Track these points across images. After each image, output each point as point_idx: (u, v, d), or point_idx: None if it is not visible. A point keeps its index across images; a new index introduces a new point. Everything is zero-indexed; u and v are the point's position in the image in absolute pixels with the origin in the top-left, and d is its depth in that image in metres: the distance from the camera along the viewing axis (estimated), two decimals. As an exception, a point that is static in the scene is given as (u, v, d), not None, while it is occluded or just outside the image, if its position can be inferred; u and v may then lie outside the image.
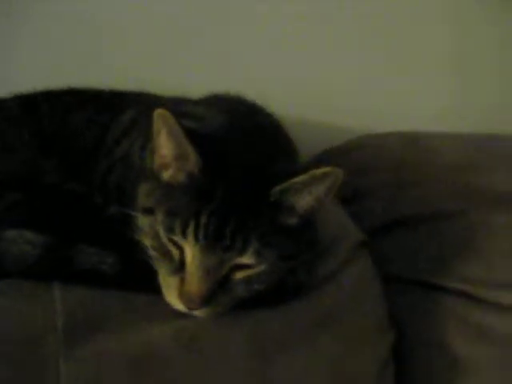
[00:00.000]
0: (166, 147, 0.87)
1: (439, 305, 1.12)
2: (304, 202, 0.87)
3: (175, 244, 0.85)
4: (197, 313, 0.86)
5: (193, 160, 0.85)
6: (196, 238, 0.83)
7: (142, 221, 0.89)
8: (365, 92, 1.50)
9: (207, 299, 0.84)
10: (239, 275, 0.86)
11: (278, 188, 0.85)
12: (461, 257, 1.14)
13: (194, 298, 0.84)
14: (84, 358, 0.82)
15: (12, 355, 0.81)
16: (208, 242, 0.82)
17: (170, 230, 0.84)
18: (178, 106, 1.03)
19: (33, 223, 0.94)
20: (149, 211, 0.88)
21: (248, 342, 0.90)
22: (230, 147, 0.91)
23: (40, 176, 1.04)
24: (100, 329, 0.85)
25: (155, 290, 0.88)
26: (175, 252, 0.86)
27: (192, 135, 0.85)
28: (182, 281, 0.85)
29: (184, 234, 0.83)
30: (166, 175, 0.89)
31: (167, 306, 0.87)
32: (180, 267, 0.85)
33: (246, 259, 0.84)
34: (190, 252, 0.84)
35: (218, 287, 0.85)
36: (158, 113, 0.84)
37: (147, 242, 0.88)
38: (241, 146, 0.93)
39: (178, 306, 0.86)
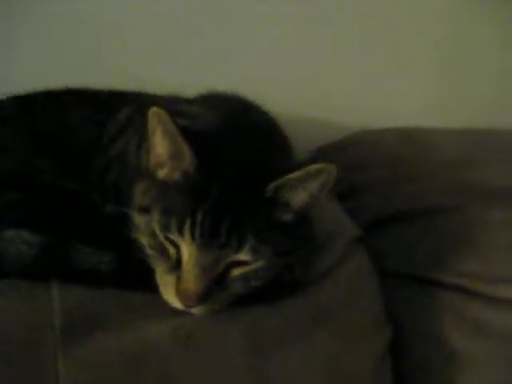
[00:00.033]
0: (161, 146, 0.87)
1: (436, 300, 1.12)
2: (299, 198, 0.87)
3: (172, 242, 0.86)
4: (194, 310, 0.86)
5: (188, 158, 0.86)
6: (192, 236, 0.83)
7: (139, 219, 0.89)
8: (360, 89, 1.51)
9: (204, 296, 0.84)
10: (236, 272, 0.86)
11: (272, 185, 0.85)
12: (457, 252, 1.14)
13: (191, 296, 0.84)
14: (82, 356, 0.83)
15: (11, 355, 0.82)
16: (204, 239, 0.83)
17: (166, 228, 0.85)
18: (173, 105, 1.03)
19: (30, 223, 0.94)
20: (145, 210, 0.88)
21: (245, 339, 0.91)
22: (225, 145, 0.91)
23: (36, 176, 1.04)
24: (98, 327, 0.86)
25: (152, 288, 0.89)
26: (172, 250, 0.86)
27: (187, 134, 0.85)
28: (179, 279, 0.85)
29: (180, 232, 0.83)
30: (162, 174, 0.89)
31: (164, 304, 0.88)
32: (177, 265, 0.86)
33: (242, 256, 0.84)
34: (187, 250, 0.84)
35: (214, 284, 0.85)
36: (153, 111, 0.84)
37: (144, 240, 0.89)
38: (235, 143, 0.93)
39: (175, 303, 0.86)
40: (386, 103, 1.51)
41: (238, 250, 0.84)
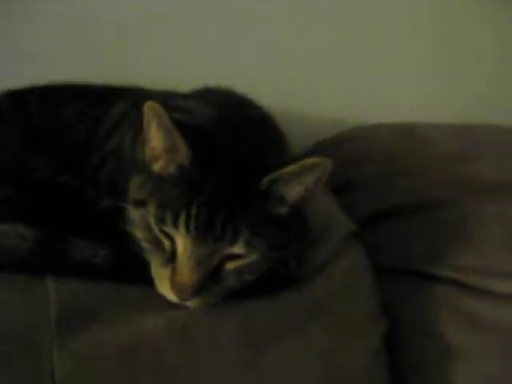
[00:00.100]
0: (157, 139, 0.87)
1: (431, 294, 1.12)
2: (294, 191, 0.87)
3: (167, 235, 0.86)
4: (189, 303, 0.86)
5: (183, 152, 0.86)
6: (187, 229, 0.83)
7: (134, 213, 0.89)
8: (356, 84, 1.52)
9: (199, 289, 0.84)
10: (230, 266, 0.86)
11: (267, 178, 0.85)
12: (452, 246, 1.14)
13: (186, 289, 0.84)
14: (77, 349, 0.83)
15: (6, 349, 0.82)
16: (199, 232, 0.83)
17: (161, 221, 0.85)
18: (168, 100, 1.03)
19: (25, 217, 0.94)
20: (140, 203, 0.88)
21: (239, 333, 0.91)
22: (220, 140, 0.91)
23: (31, 171, 1.04)
24: (93, 320, 0.86)
25: (147, 281, 0.89)
26: (167, 243, 0.86)
27: (182, 127, 0.85)
28: (174, 271, 0.85)
29: (175, 225, 0.84)
30: (157, 167, 0.89)
31: (159, 297, 0.88)
32: (172, 258, 0.86)
33: (237, 249, 0.85)
34: (182, 243, 0.84)
35: (209, 278, 0.85)
36: (149, 105, 0.85)
37: (139, 233, 0.89)
38: (231, 138, 0.93)
39: (170, 296, 0.86)
40: (382, 99, 1.52)
41: (232, 242, 0.84)
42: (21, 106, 1.14)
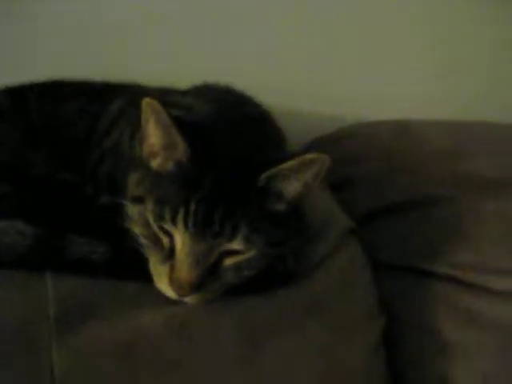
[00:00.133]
0: (155, 136, 0.88)
1: (429, 290, 1.12)
2: (292, 188, 0.87)
3: (165, 232, 0.86)
4: (187, 299, 0.87)
5: (181, 149, 0.86)
6: (186, 226, 0.83)
7: (132, 209, 0.89)
8: (355, 81, 1.52)
9: (197, 286, 0.84)
10: (229, 262, 0.86)
11: (265, 174, 0.85)
12: (450, 243, 1.14)
13: (185, 285, 0.84)
14: (76, 345, 0.83)
15: (5, 345, 0.82)
16: (197, 228, 0.83)
17: (159, 217, 0.85)
18: (166, 96, 1.04)
19: (24, 214, 0.94)
20: (138, 200, 0.88)
21: (238, 329, 0.91)
22: (218, 136, 0.91)
23: (30, 168, 1.05)
24: (92, 317, 0.86)
25: (146, 277, 0.89)
26: (165, 240, 0.86)
27: (180, 124, 0.85)
28: (173, 268, 0.85)
29: (174, 222, 0.84)
30: (155, 164, 0.89)
31: (158, 293, 0.88)
32: (170, 254, 0.86)
33: (235, 245, 0.85)
34: (180, 239, 0.84)
35: (207, 274, 0.85)
36: (147, 102, 0.85)
37: (137, 230, 0.89)
38: (229, 135, 0.93)
39: (169, 292, 0.86)
40: (381, 96, 1.51)
41: (230, 239, 0.84)
42: (20, 103, 1.14)
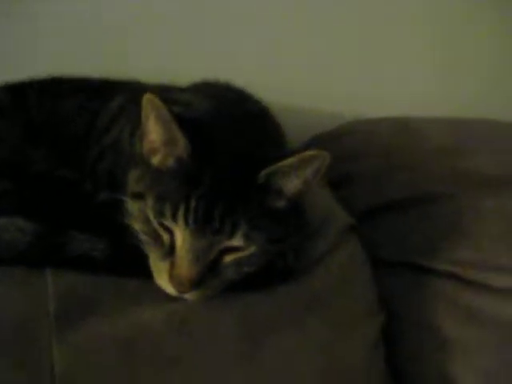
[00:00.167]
0: (155, 132, 0.87)
1: (429, 287, 1.12)
2: (292, 185, 0.87)
3: (165, 228, 0.86)
4: (187, 296, 0.87)
5: (181, 145, 0.86)
6: (186, 222, 0.83)
7: (132, 206, 0.89)
8: (355, 78, 1.51)
9: (197, 282, 0.84)
10: (228, 258, 0.86)
11: (265, 171, 0.85)
12: (450, 240, 1.14)
13: (185, 282, 0.84)
14: (76, 342, 0.83)
15: (6, 342, 0.82)
16: (198, 225, 0.83)
17: (160, 214, 0.85)
18: (166, 93, 1.03)
19: (24, 211, 0.94)
20: (139, 196, 0.88)
21: (237, 325, 0.91)
22: (218, 133, 0.91)
23: (30, 165, 1.04)
24: (92, 313, 0.86)
25: (146, 274, 0.89)
26: (165, 236, 0.86)
27: (180, 120, 0.85)
28: (173, 265, 0.85)
29: (174, 218, 0.84)
30: (155, 160, 0.89)
31: (158, 289, 0.88)
32: (170, 251, 0.86)
33: (235, 242, 0.85)
34: (180, 236, 0.84)
35: (207, 270, 0.85)
36: (147, 98, 0.85)
37: (137, 226, 0.89)
38: (229, 131, 0.93)
39: (169, 289, 0.86)
40: (381, 93, 1.51)
41: (231, 235, 0.84)
42: (20, 99, 1.14)
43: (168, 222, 0.85)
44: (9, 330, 0.83)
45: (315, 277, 1.00)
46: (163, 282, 0.87)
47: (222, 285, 0.89)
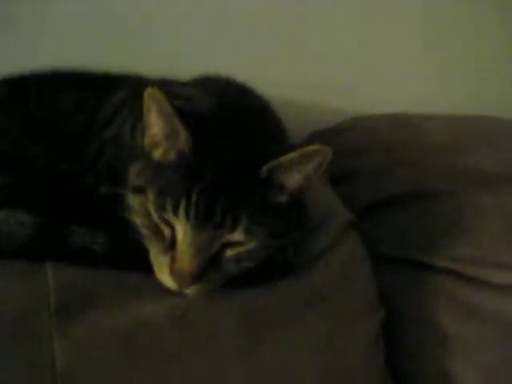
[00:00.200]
0: (157, 126, 0.87)
1: (429, 284, 1.12)
2: (293, 179, 0.87)
3: (166, 223, 0.85)
4: (188, 290, 0.86)
5: (183, 139, 0.86)
6: (187, 216, 0.83)
7: (133, 200, 0.89)
8: (357, 74, 1.52)
9: (198, 277, 0.84)
10: (229, 253, 0.86)
11: (267, 166, 0.85)
12: (450, 236, 1.15)
13: (185, 276, 0.84)
14: (77, 335, 0.83)
15: (6, 335, 0.82)
16: (199, 219, 0.83)
17: (161, 208, 0.85)
18: (167, 87, 1.03)
19: (24, 204, 0.94)
20: (140, 190, 0.88)
21: (238, 320, 0.91)
22: (220, 127, 0.91)
23: (30, 158, 1.04)
24: (92, 307, 0.86)
25: (146, 268, 0.89)
26: (166, 231, 0.86)
27: (182, 114, 0.85)
28: (174, 259, 0.85)
29: (175, 213, 0.83)
30: (157, 154, 0.89)
31: (158, 284, 0.88)
32: (171, 245, 0.86)
33: (236, 236, 0.84)
34: (181, 230, 0.84)
35: (208, 265, 0.85)
36: (149, 91, 0.84)
37: (138, 220, 0.88)
38: (230, 126, 0.93)
39: (170, 283, 0.86)
40: (382, 89, 1.52)
41: (232, 230, 0.84)
42: (18, 93, 1.14)
43: (169, 216, 0.84)
44: (9, 324, 0.83)
45: (315, 272, 1.00)
46: (164, 276, 0.87)
47: (222, 279, 0.88)
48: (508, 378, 1.04)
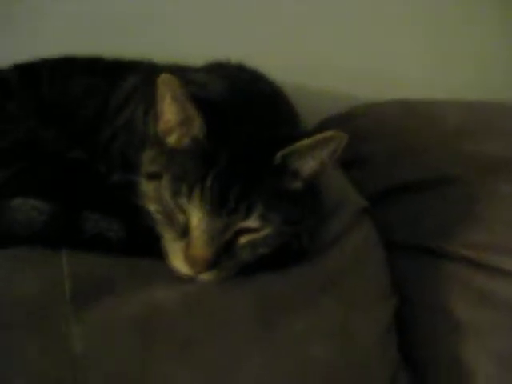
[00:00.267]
0: (171, 112, 0.87)
1: (442, 270, 1.12)
2: (308, 166, 0.87)
3: (180, 209, 0.85)
4: (202, 276, 0.87)
5: (197, 125, 0.85)
6: (201, 203, 0.83)
7: (147, 186, 0.89)
8: (367, 60, 1.51)
9: (212, 263, 0.85)
10: (243, 239, 0.86)
11: (282, 152, 0.85)
12: (463, 223, 1.14)
13: (200, 262, 0.84)
14: (93, 321, 0.83)
15: (22, 322, 0.82)
16: (213, 205, 0.83)
17: (175, 194, 0.85)
18: (179, 73, 1.03)
19: (39, 191, 0.94)
20: (154, 176, 0.88)
21: (252, 306, 0.91)
22: (233, 113, 0.91)
23: (44, 145, 1.04)
24: (107, 293, 0.86)
25: (160, 255, 0.89)
26: (180, 217, 0.86)
27: (196, 100, 0.85)
28: (188, 245, 0.85)
29: (190, 199, 0.83)
30: (171, 140, 0.89)
31: (173, 270, 0.88)
32: (185, 232, 0.86)
33: (251, 223, 0.85)
34: (196, 216, 0.84)
35: (222, 251, 0.85)
36: (163, 78, 0.84)
37: (152, 207, 0.89)
38: (243, 111, 0.93)
39: (184, 270, 0.86)
40: (393, 75, 1.51)
41: (246, 216, 0.84)
42: (32, 78, 1.14)
43: (183, 202, 0.84)
44: (25, 311, 0.82)
45: (329, 258, 1.00)
46: (178, 262, 0.87)
47: (236, 266, 0.88)
48: (521, 363, 1.04)
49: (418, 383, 1.07)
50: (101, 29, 1.38)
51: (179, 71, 1.08)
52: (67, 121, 1.09)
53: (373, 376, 0.98)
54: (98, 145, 1.06)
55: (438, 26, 1.55)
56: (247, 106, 0.95)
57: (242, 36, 1.43)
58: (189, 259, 0.85)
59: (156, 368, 0.83)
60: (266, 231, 0.86)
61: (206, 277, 0.87)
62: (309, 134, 0.85)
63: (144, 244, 0.92)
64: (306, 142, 0.84)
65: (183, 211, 0.85)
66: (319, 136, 0.84)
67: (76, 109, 1.12)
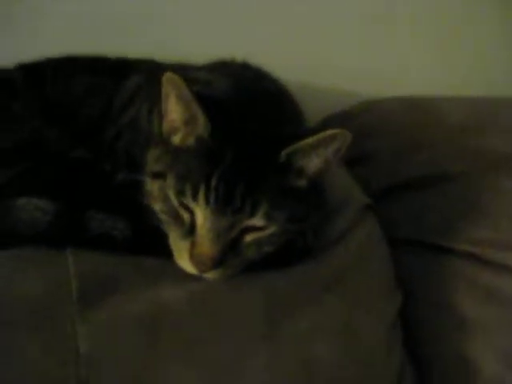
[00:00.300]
0: (176, 111, 0.87)
1: (448, 267, 1.12)
2: (313, 164, 0.87)
3: (186, 208, 0.86)
4: (208, 275, 0.87)
5: (202, 124, 0.85)
6: (207, 201, 0.83)
7: (152, 185, 0.89)
8: (370, 57, 1.51)
9: (218, 261, 0.85)
10: (249, 238, 0.86)
11: (287, 150, 0.85)
12: (468, 219, 1.14)
13: (206, 261, 0.84)
14: (99, 320, 0.83)
15: (28, 322, 0.81)
16: (218, 204, 0.83)
17: (180, 193, 0.85)
18: (183, 72, 1.03)
19: (43, 191, 0.94)
20: (158, 176, 0.88)
21: (257, 305, 0.91)
22: (238, 111, 0.91)
23: (48, 145, 1.04)
24: (113, 292, 0.86)
25: (165, 254, 0.89)
26: (186, 216, 0.86)
27: (200, 99, 0.85)
28: (193, 244, 0.85)
29: (195, 198, 0.83)
30: (176, 139, 0.89)
31: (179, 269, 0.88)
32: (191, 230, 0.86)
33: (256, 221, 0.85)
34: (201, 215, 0.84)
35: (228, 250, 0.85)
36: (167, 76, 0.84)
37: (157, 206, 0.89)
38: (248, 110, 0.93)
39: (190, 268, 0.86)
40: (395, 72, 1.52)
41: (251, 215, 0.84)
42: (37, 81, 1.14)
43: (188, 202, 0.84)
44: (31, 311, 0.82)
45: (334, 255, 1.00)
46: (184, 261, 0.87)
47: (242, 264, 0.89)
48: (528, 361, 1.04)
49: (423, 380, 1.07)
50: (101, 29, 1.38)
51: (182, 70, 1.08)
52: (70, 120, 1.09)
53: (378, 374, 0.99)
54: (102, 144, 1.06)
55: (439, 26, 1.55)
56: (252, 104, 0.95)
57: (242, 35, 1.43)
58: (194, 258, 0.85)
59: (161, 367, 0.83)
60: (271, 229, 0.86)
61: (211, 275, 0.87)
62: (313, 132, 0.85)
63: (149, 243, 0.92)
64: (310, 140, 0.84)
65: (188, 210, 0.85)
66: (324, 134, 0.84)
67: (78, 108, 1.12)
